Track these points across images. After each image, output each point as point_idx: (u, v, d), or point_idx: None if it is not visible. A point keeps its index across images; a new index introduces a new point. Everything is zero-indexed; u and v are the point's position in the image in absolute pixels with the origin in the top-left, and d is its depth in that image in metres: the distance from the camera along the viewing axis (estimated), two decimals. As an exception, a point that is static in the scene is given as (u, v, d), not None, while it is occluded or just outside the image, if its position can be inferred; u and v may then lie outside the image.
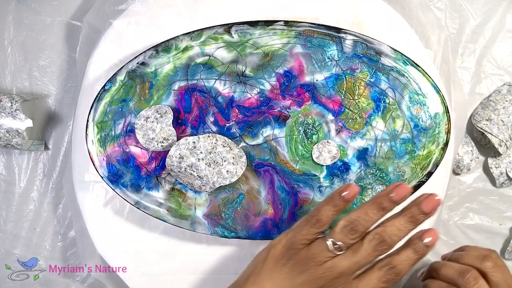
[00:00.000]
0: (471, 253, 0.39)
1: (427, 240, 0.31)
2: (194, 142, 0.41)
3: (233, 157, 0.41)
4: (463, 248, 0.41)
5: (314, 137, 0.43)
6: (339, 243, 0.32)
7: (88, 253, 0.46)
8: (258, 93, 0.43)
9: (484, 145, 0.51)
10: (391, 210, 0.32)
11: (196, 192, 0.42)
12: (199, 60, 0.43)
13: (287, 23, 0.42)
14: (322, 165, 0.43)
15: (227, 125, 0.43)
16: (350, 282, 0.32)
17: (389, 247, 0.32)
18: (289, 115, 0.43)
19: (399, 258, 0.32)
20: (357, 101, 0.43)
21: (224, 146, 0.41)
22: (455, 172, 0.51)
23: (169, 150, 0.41)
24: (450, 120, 0.42)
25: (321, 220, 0.33)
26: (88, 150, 0.42)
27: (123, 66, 0.42)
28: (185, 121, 0.43)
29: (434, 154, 0.42)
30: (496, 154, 0.50)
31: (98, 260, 0.45)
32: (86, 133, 0.42)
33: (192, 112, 0.43)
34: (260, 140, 0.43)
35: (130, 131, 0.42)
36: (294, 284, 0.32)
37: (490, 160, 0.50)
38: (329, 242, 0.32)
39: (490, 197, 0.51)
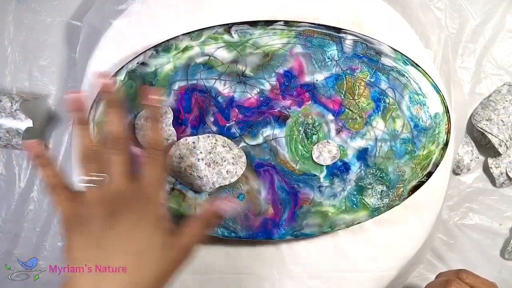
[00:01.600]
0: (446, 272, 0.39)
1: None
2: (194, 142, 0.41)
3: (233, 157, 0.41)
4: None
5: (314, 137, 0.43)
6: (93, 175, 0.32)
7: (88, 253, 0.45)
8: (258, 93, 0.43)
9: (484, 145, 0.51)
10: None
11: (196, 192, 0.42)
12: (199, 60, 0.43)
13: (287, 23, 0.42)
14: (322, 165, 0.43)
15: (227, 125, 0.43)
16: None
17: (121, 141, 0.33)
18: (289, 115, 0.43)
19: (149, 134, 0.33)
20: (357, 101, 0.43)
21: (224, 146, 0.41)
22: (455, 172, 0.51)
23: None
24: (450, 120, 0.42)
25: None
26: (88, 150, 0.42)
27: (123, 66, 0.42)
28: (185, 121, 0.43)
29: (434, 154, 0.42)
30: (496, 154, 0.50)
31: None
32: (86, 133, 0.42)
33: (192, 112, 0.43)
34: (260, 140, 0.43)
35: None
36: None
37: (490, 160, 0.50)
38: (88, 180, 0.32)
39: (490, 197, 0.51)
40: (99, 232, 0.30)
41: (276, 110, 0.43)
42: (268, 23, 0.42)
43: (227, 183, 0.41)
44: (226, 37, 0.42)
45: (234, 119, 0.43)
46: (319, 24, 0.42)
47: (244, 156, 0.42)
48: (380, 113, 0.43)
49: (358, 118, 0.43)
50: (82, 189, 0.32)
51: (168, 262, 0.31)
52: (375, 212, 0.42)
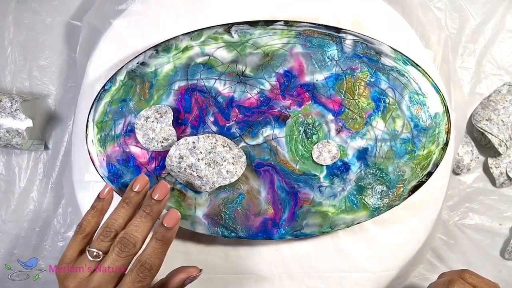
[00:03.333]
0: (449, 272, 0.39)
1: (166, 224, 0.32)
2: (194, 142, 0.41)
3: (233, 157, 0.41)
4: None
5: (314, 137, 0.43)
6: (95, 250, 0.31)
7: (88, 253, 0.45)
8: (258, 93, 0.43)
9: (484, 145, 0.51)
10: (136, 203, 0.34)
11: (196, 192, 0.42)
12: (199, 60, 0.43)
13: (287, 23, 0.42)
14: (322, 165, 0.43)
15: (227, 125, 0.43)
16: None
17: (134, 246, 0.31)
18: (289, 115, 0.43)
19: (145, 253, 0.31)
20: (357, 101, 0.43)
21: (224, 146, 0.41)
22: (455, 172, 0.51)
23: (169, 150, 0.41)
24: (450, 120, 0.42)
25: (83, 225, 0.33)
26: (88, 150, 0.42)
27: (123, 66, 0.42)
28: (185, 121, 0.43)
29: (434, 154, 0.42)
30: (496, 154, 0.50)
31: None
32: (86, 133, 0.42)
33: (192, 112, 0.43)
34: (260, 140, 0.43)
35: (130, 131, 0.42)
36: None
37: (490, 160, 0.50)
38: (88, 251, 0.32)
39: (490, 197, 0.51)
40: None
41: (276, 110, 0.43)
42: (268, 23, 0.42)
43: (227, 183, 0.41)
44: (226, 37, 0.42)
45: (234, 119, 0.43)
46: (319, 24, 0.42)
47: (244, 156, 0.42)
48: (380, 113, 0.43)
49: (358, 118, 0.43)
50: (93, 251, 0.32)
51: None
52: (375, 212, 0.42)
